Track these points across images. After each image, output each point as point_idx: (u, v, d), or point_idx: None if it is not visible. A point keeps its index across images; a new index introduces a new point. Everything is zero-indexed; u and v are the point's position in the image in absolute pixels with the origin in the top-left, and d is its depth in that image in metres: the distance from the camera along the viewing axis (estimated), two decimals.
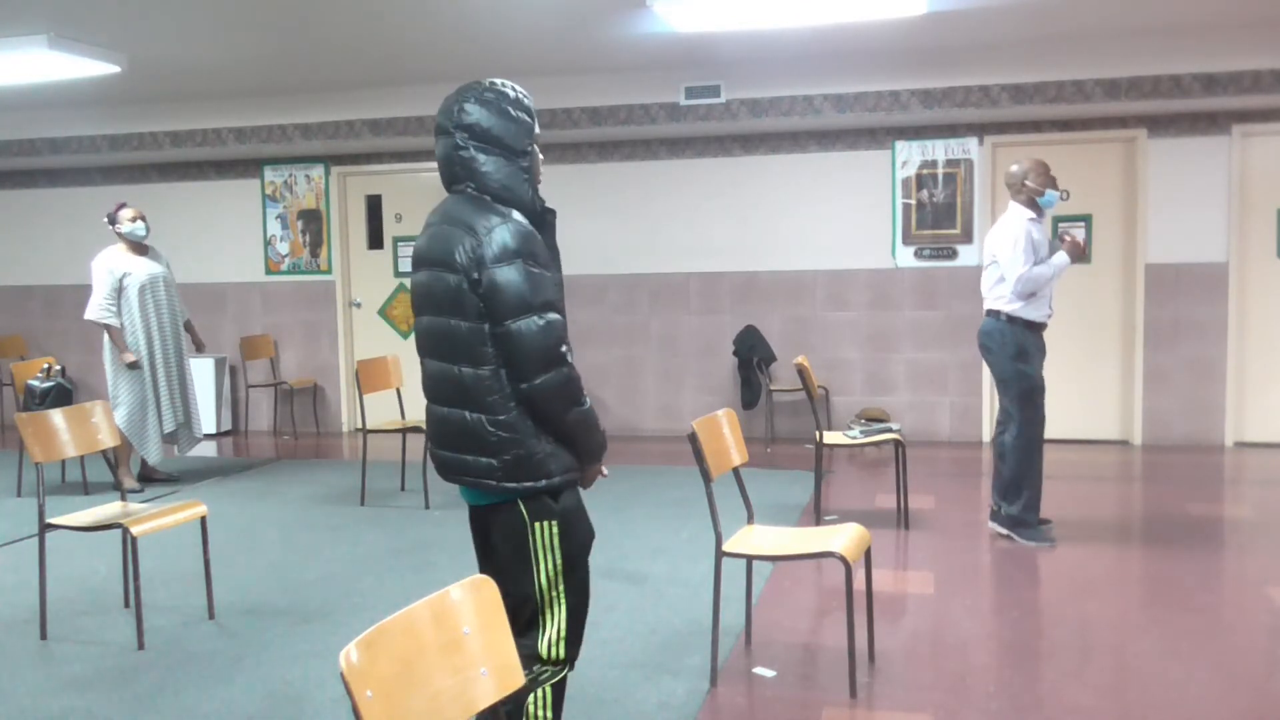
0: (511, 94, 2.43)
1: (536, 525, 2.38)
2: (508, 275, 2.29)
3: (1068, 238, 4.87)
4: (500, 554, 2.45)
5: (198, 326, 8.73)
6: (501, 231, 2.31)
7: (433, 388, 2.46)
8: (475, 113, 2.39)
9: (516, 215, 2.37)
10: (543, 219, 2.47)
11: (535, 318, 2.30)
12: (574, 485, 2.47)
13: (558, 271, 2.48)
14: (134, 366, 6.26)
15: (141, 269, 6.33)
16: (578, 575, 2.43)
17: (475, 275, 2.30)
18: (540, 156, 2.54)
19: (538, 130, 2.50)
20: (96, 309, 6.27)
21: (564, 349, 2.34)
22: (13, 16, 5.63)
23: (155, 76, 7.32)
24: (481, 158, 2.39)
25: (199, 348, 6.85)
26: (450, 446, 2.42)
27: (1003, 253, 4.82)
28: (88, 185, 9.18)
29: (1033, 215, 4.84)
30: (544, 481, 2.37)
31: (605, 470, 2.61)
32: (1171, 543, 4.92)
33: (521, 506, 2.38)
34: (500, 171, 2.39)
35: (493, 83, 2.44)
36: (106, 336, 6.31)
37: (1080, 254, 4.87)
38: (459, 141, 2.40)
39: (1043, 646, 3.68)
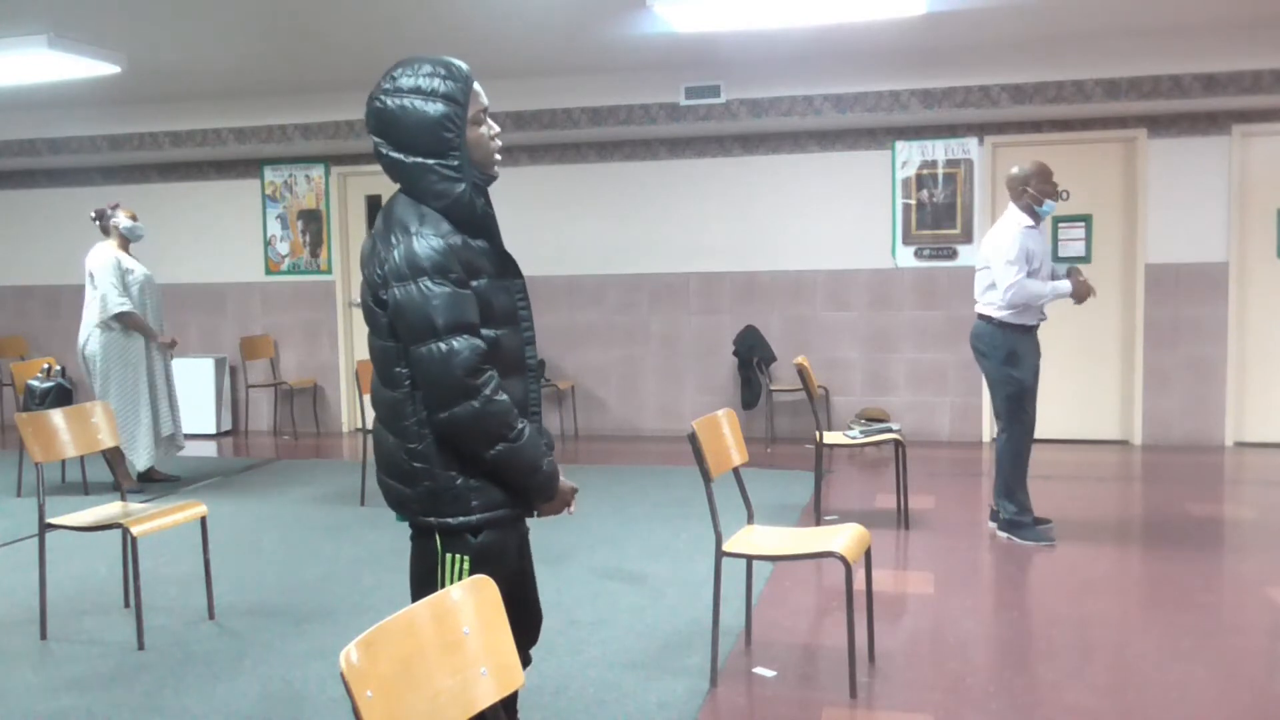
0: (425, 82, 2.09)
1: (449, 556, 2.18)
2: (409, 295, 2.04)
3: (1081, 278, 4.83)
4: (410, 575, 2.27)
5: (197, 327, 8.80)
6: (409, 245, 2.06)
7: (373, 403, 2.28)
8: (384, 110, 2.11)
9: (444, 225, 2.10)
10: (485, 223, 2.20)
11: (438, 343, 2.04)
12: (503, 524, 2.22)
13: (513, 278, 2.26)
14: (171, 346, 6.33)
15: (139, 268, 6.33)
16: None
17: (382, 293, 2.10)
18: (493, 132, 2.22)
19: (482, 104, 2.18)
20: (116, 301, 6.10)
21: (478, 379, 2.06)
22: (13, 16, 5.63)
23: (155, 76, 7.33)
24: (403, 160, 2.12)
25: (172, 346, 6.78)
26: (380, 466, 2.25)
27: (995, 260, 4.82)
28: (88, 185, 9.18)
29: (1030, 223, 4.81)
30: (460, 519, 2.15)
31: (572, 508, 2.36)
32: (1171, 543, 4.92)
33: (437, 536, 2.19)
34: (425, 176, 2.11)
35: (403, 68, 2.12)
36: (99, 335, 6.19)
37: (1084, 297, 4.81)
38: (379, 149, 2.16)
39: (1043, 646, 3.68)
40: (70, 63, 6.28)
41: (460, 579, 2.15)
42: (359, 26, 6.08)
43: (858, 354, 7.91)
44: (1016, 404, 4.87)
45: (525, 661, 2.45)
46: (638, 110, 7.49)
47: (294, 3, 5.60)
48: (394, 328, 2.11)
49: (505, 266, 2.25)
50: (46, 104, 8.21)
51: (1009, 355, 4.84)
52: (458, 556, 2.17)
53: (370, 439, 2.41)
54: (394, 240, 2.09)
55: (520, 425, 2.14)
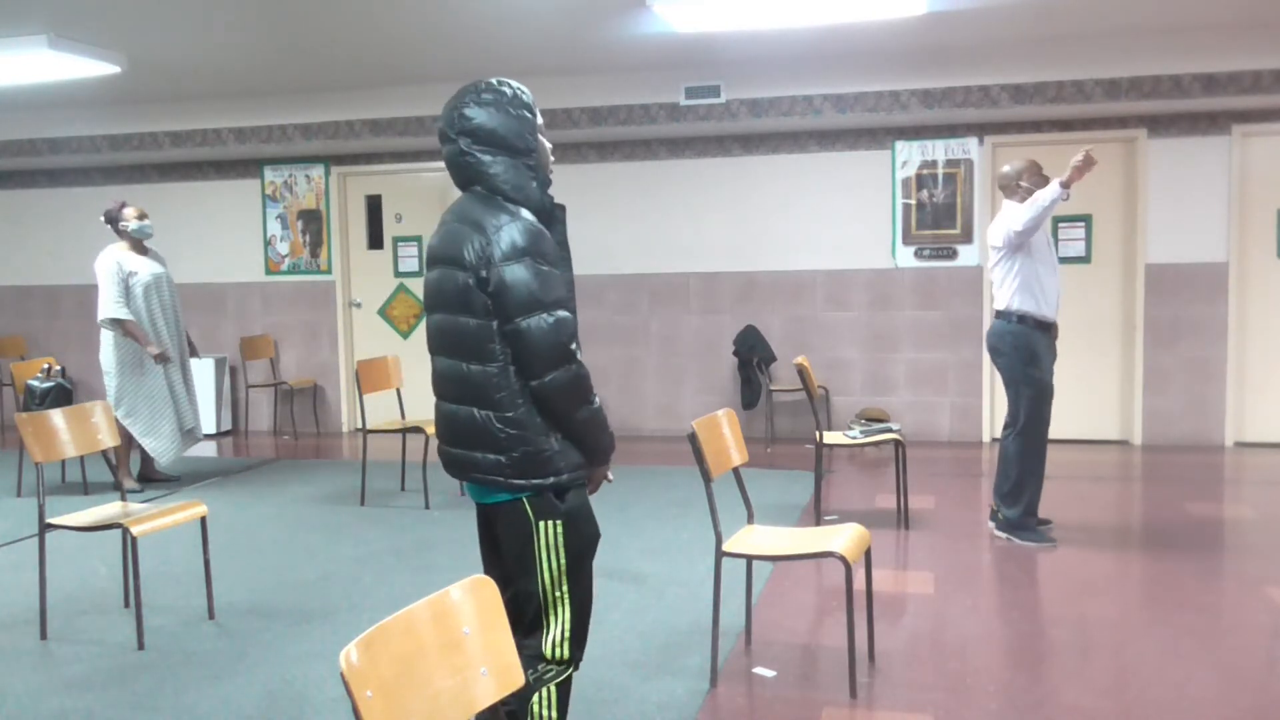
0: (510, 92, 2.42)
1: (541, 524, 2.38)
2: (516, 273, 2.29)
3: (1074, 162, 4.48)
4: (506, 552, 2.45)
5: (197, 327, 8.78)
6: (510, 229, 2.32)
7: (441, 384, 2.47)
8: (475, 116, 2.39)
9: (525, 213, 2.37)
10: (552, 215, 2.47)
11: (545, 315, 2.30)
12: (581, 484, 2.45)
13: (568, 269, 2.49)
14: (161, 359, 6.18)
15: (145, 268, 6.30)
16: (582, 575, 2.42)
17: (484, 273, 2.31)
18: (549, 147, 2.53)
19: (540, 123, 2.49)
20: (111, 306, 6.14)
21: (574, 346, 2.35)
22: (13, 16, 5.63)
23: (155, 76, 7.33)
24: (487, 159, 2.39)
25: (194, 351, 6.76)
26: (459, 443, 2.43)
27: (998, 232, 4.78)
28: (88, 185, 9.18)
29: None
30: (551, 479, 2.37)
31: (611, 475, 2.59)
32: (1171, 543, 4.92)
33: (526, 505, 2.37)
34: (507, 172, 2.39)
35: (489, 83, 2.43)
36: (108, 336, 6.22)
37: (1080, 174, 4.47)
38: (462, 147, 2.41)
39: (1043, 646, 3.68)
40: (70, 63, 6.28)
41: (557, 545, 2.38)
42: (359, 27, 6.08)
43: (858, 354, 7.91)
44: (1036, 404, 4.84)
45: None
46: (638, 110, 7.49)
47: (294, 3, 5.60)
48: (494, 305, 2.32)
49: (565, 260, 2.50)
50: (46, 104, 8.21)
51: (1029, 355, 4.80)
52: (550, 523, 2.38)
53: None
54: (493, 225, 2.33)
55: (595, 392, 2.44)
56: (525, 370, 2.34)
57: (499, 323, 2.32)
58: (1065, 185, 4.54)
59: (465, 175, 2.43)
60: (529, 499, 2.37)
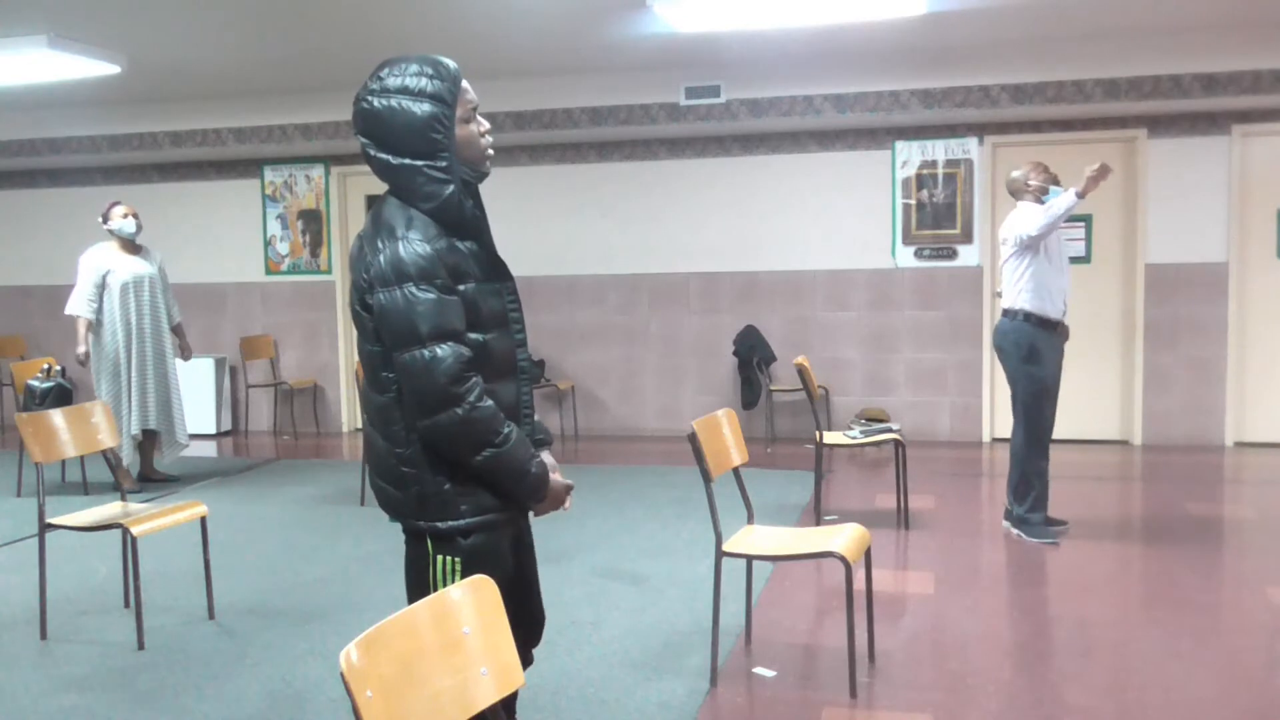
0: (413, 82, 2.07)
1: (440, 558, 2.16)
2: (393, 301, 2.02)
3: (1089, 172, 4.55)
4: (406, 581, 2.25)
5: (197, 327, 8.76)
6: (394, 250, 2.03)
7: (363, 405, 2.29)
8: (368, 113, 2.10)
9: (429, 228, 2.07)
10: (479, 225, 2.17)
11: (421, 350, 2.01)
12: (491, 528, 2.18)
13: (503, 280, 2.22)
14: (81, 362, 6.23)
15: (127, 268, 6.28)
16: None
17: (368, 297, 2.08)
18: (482, 130, 2.18)
19: (469, 108, 2.15)
20: (75, 303, 6.24)
21: (462, 387, 2.03)
22: (13, 16, 5.63)
23: (155, 76, 7.32)
24: (391, 161, 2.09)
25: (185, 355, 6.63)
26: (372, 470, 2.25)
27: (1016, 228, 4.76)
28: (88, 185, 9.17)
29: None
30: (449, 523, 2.13)
31: (568, 506, 2.34)
32: (1172, 543, 4.92)
33: (428, 538, 2.18)
34: (413, 179, 2.08)
35: (386, 72, 2.11)
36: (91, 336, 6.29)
37: (1095, 183, 4.54)
38: (366, 150, 2.14)
39: (1043, 646, 3.68)
40: (70, 63, 6.27)
41: (453, 581, 2.13)
42: (359, 26, 6.08)
43: (858, 354, 7.91)
44: (1035, 403, 4.86)
45: (527, 662, 2.45)
46: (638, 110, 7.49)
47: (294, 3, 5.60)
48: (379, 333, 2.09)
49: (495, 269, 2.21)
50: (46, 104, 8.21)
51: (1029, 353, 4.82)
52: (449, 559, 2.16)
53: (364, 437, 2.39)
54: (380, 244, 2.07)
55: (506, 430, 2.11)
56: (409, 409, 2.09)
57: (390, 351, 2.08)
58: (1080, 195, 4.61)
59: (379, 176, 2.16)
60: (429, 534, 2.17)
